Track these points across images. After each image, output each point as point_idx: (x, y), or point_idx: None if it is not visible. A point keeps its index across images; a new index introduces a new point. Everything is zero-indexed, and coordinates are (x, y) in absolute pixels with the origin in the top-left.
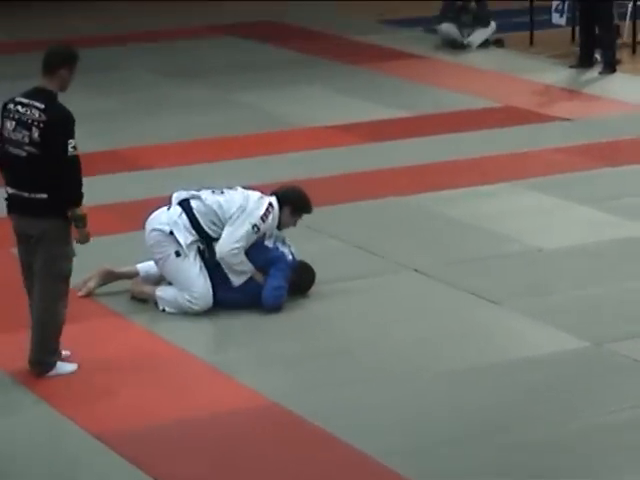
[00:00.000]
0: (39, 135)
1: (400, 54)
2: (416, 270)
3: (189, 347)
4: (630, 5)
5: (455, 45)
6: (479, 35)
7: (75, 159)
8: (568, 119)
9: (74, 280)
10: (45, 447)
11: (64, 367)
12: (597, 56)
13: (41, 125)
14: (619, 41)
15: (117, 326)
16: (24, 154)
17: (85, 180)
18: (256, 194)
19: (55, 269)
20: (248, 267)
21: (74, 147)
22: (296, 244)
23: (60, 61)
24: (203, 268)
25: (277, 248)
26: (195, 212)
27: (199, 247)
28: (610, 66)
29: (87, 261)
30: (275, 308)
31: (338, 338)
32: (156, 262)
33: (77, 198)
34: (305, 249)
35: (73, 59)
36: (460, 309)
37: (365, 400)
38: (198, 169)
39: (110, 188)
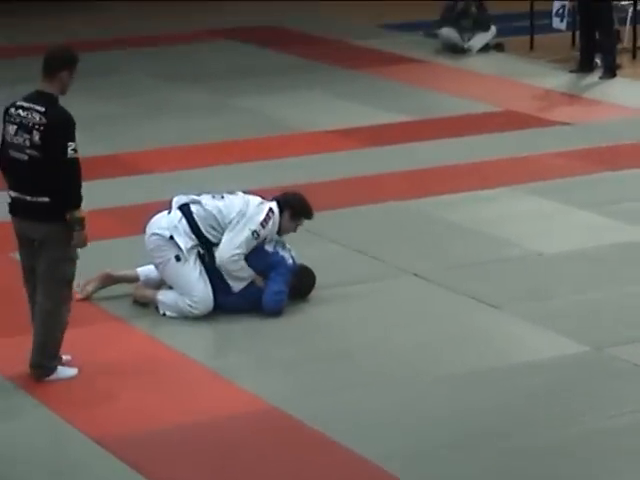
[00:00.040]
0: (40, 138)
1: (400, 58)
2: (416, 274)
3: (189, 351)
4: (630, 10)
5: (455, 49)
6: (479, 39)
7: (75, 161)
8: (568, 124)
9: (73, 284)
10: (45, 451)
11: (64, 371)
12: (597, 61)
13: (42, 128)
14: (619, 46)
15: (118, 330)
16: (25, 157)
17: (85, 184)
18: (256, 199)
19: (59, 273)
20: (248, 273)
21: (74, 150)
22: (296, 248)
23: (60, 64)
24: (203, 272)
25: (277, 252)
26: (195, 217)
27: (199, 251)
28: (610, 71)
29: (87, 265)
30: (275, 312)
31: (338, 342)
32: (156, 266)
33: (76, 201)
34: (305, 253)
35: (73, 61)
36: (460, 313)
37: (365, 404)
38: (198, 173)
39: (110, 192)
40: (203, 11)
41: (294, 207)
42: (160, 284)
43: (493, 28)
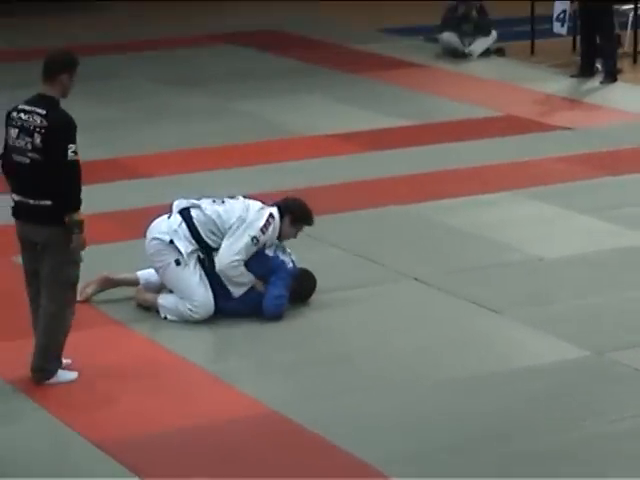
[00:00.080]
0: (41, 141)
1: (400, 63)
2: (416, 279)
3: (190, 355)
4: (631, 15)
5: (456, 54)
6: (480, 44)
7: (75, 164)
8: (569, 128)
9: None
10: (45, 455)
11: (64, 375)
12: (598, 65)
13: (42, 131)
14: (620, 50)
15: (118, 334)
16: (27, 161)
17: (85, 188)
18: (257, 204)
19: (62, 275)
20: (248, 278)
21: (74, 152)
22: (297, 253)
23: (60, 67)
24: (203, 277)
25: (277, 257)
26: (195, 221)
27: (199, 256)
28: (611, 75)
29: (87, 269)
30: (276, 317)
31: (338, 346)
32: (156, 271)
33: (75, 203)
34: (306, 258)
35: (73, 64)
36: (460, 318)
37: (365, 408)
38: (198, 177)
39: (110, 196)
40: (203, 15)
41: (294, 213)
42: (161, 288)
43: (494, 33)
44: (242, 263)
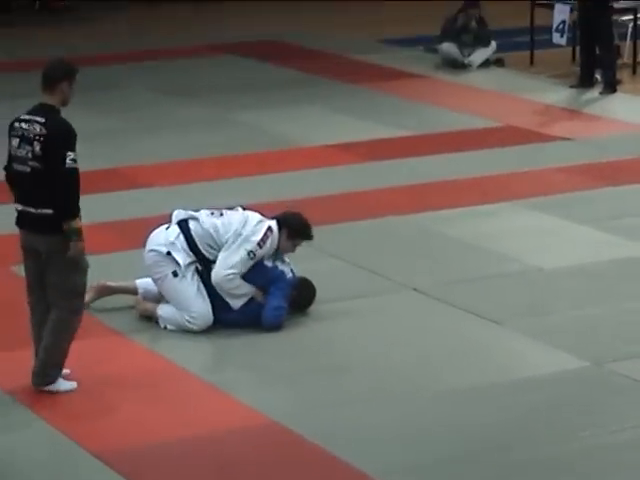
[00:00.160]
0: (40, 149)
1: (400, 73)
2: (416, 289)
3: (189, 366)
4: (630, 25)
5: (455, 65)
6: (480, 55)
7: (73, 171)
8: (569, 139)
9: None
10: (45, 465)
11: (64, 384)
12: (597, 76)
13: (42, 139)
14: (619, 61)
15: (117, 344)
16: (28, 170)
17: (85, 198)
18: (255, 217)
19: (68, 284)
20: (246, 289)
21: (73, 160)
22: (296, 263)
23: (59, 75)
24: (201, 288)
25: (276, 267)
26: (192, 233)
27: (197, 268)
28: (610, 86)
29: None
30: (275, 328)
31: (338, 357)
32: (154, 282)
33: (73, 211)
34: (305, 268)
35: (72, 72)
36: (460, 328)
37: (365, 419)
38: (197, 188)
39: (110, 206)
40: (203, 25)
41: (292, 227)
42: (160, 297)
43: (493, 43)
44: (238, 276)
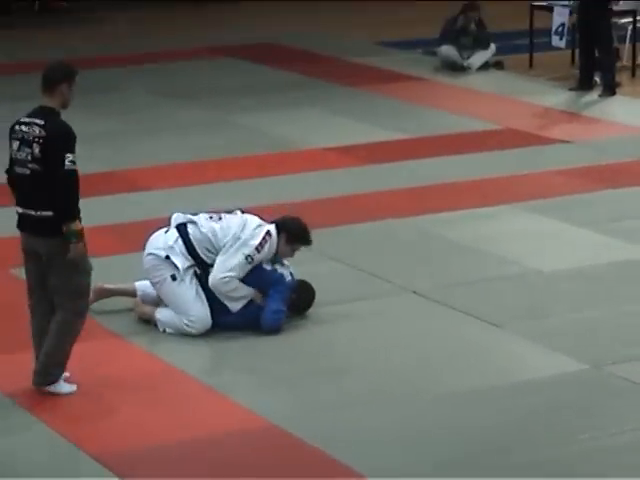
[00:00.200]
0: (39, 151)
1: (399, 76)
2: (415, 292)
3: (188, 368)
4: (630, 28)
5: (455, 67)
6: (479, 57)
7: (72, 173)
8: (568, 141)
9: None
10: (44, 467)
11: (63, 387)
12: (597, 79)
13: (41, 141)
14: (619, 64)
15: (116, 347)
16: (28, 172)
17: (84, 201)
18: (254, 221)
19: (71, 285)
20: (244, 292)
21: (72, 161)
22: (295, 266)
23: (59, 77)
24: (200, 291)
25: (275, 270)
26: (191, 237)
27: (196, 271)
28: (610, 89)
29: None
30: (274, 332)
31: (337, 360)
32: (153, 285)
33: (72, 213)
34: (304, 271)
35: (72, 74)
36: (460, 331)
37: (365, 422)
38: (197, 190)
39: (109, 209)
40: (203, 28)
41: (290, 231)
42: (159, 300)
43: (492, 46)
44: (235, 279)
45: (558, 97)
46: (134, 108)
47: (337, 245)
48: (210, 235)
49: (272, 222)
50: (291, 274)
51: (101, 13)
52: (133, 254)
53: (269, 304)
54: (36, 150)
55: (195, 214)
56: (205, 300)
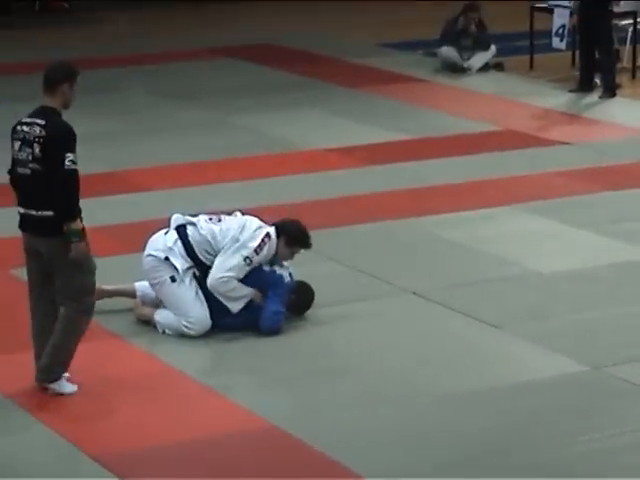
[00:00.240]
0: (40, 151)
1: (399, 77)
2: (415, 293)
3: (188, 369)
4: (630, 30)
5: (455, 68)
6: (479, 59)
7: (72, 173)
8: (568, 143)
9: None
10: (44, 467)
11: (66, 386)
12: (597, 80)
13: (41, 141)
14: (619, 65)
15: (116, 347)
16: (29, 172)
17: (84, 201)
18: (254, 223)
19: (75, 284)
20: (245, 292)
21: (72, 161)
22: (295, 267)
23: (60, 77)
24: (199, 293)
25: (274, 271)
26: (190, 239)
27: (195, 273)
28: (610, 90)
29: None
30: (273, 333)
31: (337, 361)
32: (152, 287)
33: (73, 212)
34: (304, 272)
35: (73, 74)
36: (459, 333)
37: (365, 423)
38: (196, 191)
39: (109, 210)
40: (203, 29)
41: (290, 234)
42: (158, 301)
43: (493, 47)
44: (233, 279)
45: (558, 99)
46: (134, 108)
47: (337, 246)
48: (209, 237)
49: (272, 224)
50: (290, 275)
51: (101, 13)
52: (133, 255)
53: (268, 306)
54: (37, 150)
55: (195, 215)
56: (204, 301)
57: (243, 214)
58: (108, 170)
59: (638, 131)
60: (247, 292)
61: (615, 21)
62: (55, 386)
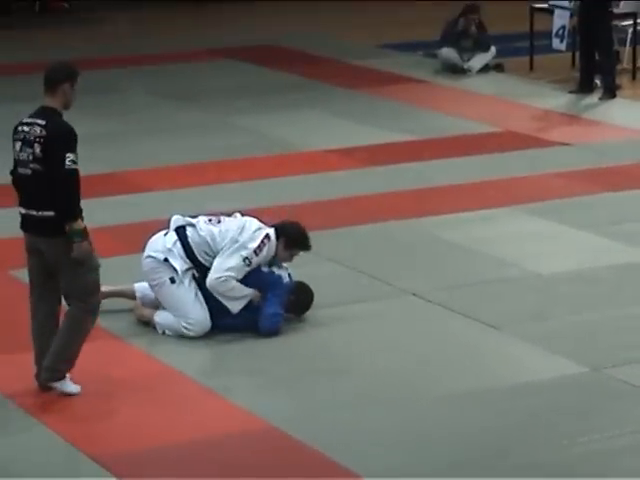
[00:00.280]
0: (40, 151)
1: (399, 78)
2: (415, 294)
3: (187, 370)
4: (630, 31)
5: (455, 70)
6: (479, 60)
7: (73, 172)
8: (568, 144)
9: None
10: (43, 468)
11: (69, 386)
12: (597, 81)
13: (42, 141)
14: (619, 67)
15: (115, 348)
16: (29, 172)
17: (84, 202)
18: (254, 224)
19: (79, 283)
20: (244, 292)
21: (72, 161)
22: (295, 268)
23: (61, 77)
24: (199, 294)
25: (273, 272)
26: (189, 241)
27: (194, 274)
28: (610, 91)
29: None
30: (272, 334)
31: (336, 362)
32: (152, 288)
33: (74, 212)
34: (304, 273)
35: (73, 74)
36: (459, 334)
37: (364, 424)
38: (196, 192)
39: (109, 210)
40: (203, 30)
41: (289, 236)
42: (158, 302)
43: (493, 48)
44: (232, 279)
45: (558, 100)
46: (134, 109)
47: (337, 247)
48: (209, 239)
49: (272, 226)
50: (289, 276)
51: (101, 14)
52: (132, 255)
53: (267, 307)
54: (37, 150)
55: (194, 217)
56: (204, 303)
57: (243, 215)
58: (108, 171)
59: (638, 132)
60: (247, 292)
61: (615, 22)
62: (59, 385)
